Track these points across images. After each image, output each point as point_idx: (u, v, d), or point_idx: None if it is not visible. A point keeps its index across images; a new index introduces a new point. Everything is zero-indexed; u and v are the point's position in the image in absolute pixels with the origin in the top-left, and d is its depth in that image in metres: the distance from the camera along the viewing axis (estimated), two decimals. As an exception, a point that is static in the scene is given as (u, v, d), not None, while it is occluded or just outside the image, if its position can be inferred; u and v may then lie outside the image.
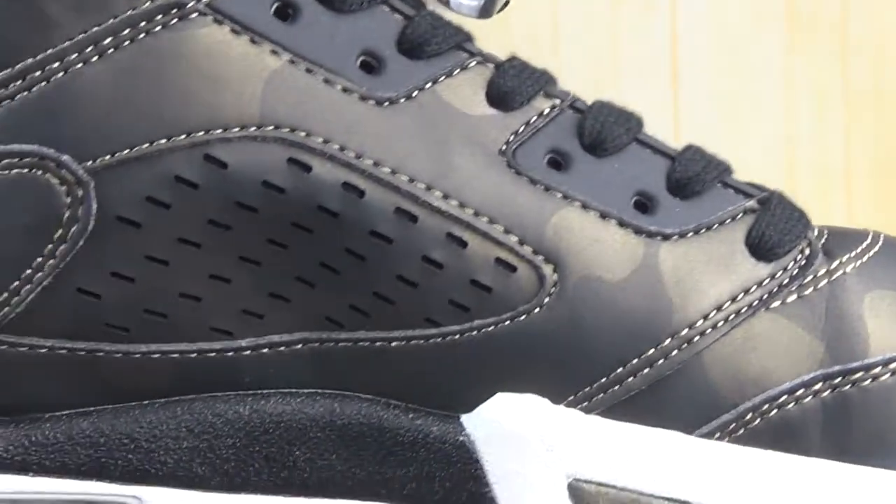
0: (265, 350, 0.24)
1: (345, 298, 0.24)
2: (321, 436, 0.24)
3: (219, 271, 0.24)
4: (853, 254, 0.26)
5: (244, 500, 0.24)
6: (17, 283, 0.24)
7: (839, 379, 0.24)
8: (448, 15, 0.26)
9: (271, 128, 0.24)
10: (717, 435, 0.24)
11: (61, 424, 0.24)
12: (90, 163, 0.24)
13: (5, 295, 0.24)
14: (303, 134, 0.24)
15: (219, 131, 0.24)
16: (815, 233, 0.27)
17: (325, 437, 0.24)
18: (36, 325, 0.24)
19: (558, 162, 0.26)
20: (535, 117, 0.26)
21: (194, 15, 0.23)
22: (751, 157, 0.61)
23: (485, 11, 0.25)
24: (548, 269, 0.24)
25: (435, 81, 0.25)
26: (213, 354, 0.24)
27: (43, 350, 0.24)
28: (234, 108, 0.24)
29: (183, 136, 0.24)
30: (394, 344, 0.24)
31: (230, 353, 0.24)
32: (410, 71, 0.25)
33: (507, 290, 0.24)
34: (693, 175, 0.28)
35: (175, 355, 0.24)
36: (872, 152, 0.60)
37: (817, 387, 0.24)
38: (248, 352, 0.24)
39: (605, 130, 0.27)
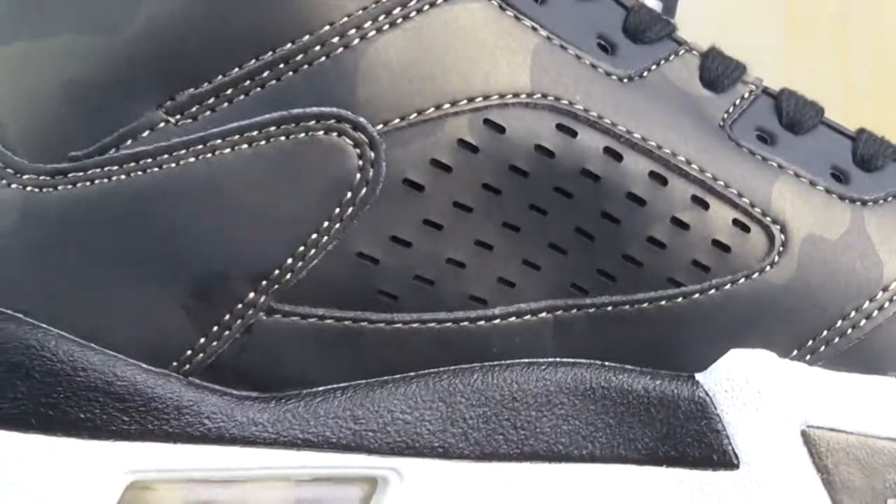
0: (513, 319, 0.25)
1: (594, 263, 0.25)
2: (566, 401, 0.25)
3: (484, 237, 0.25)
4: None
5: (495, 468, 0.25)
6: (302, 247, 0.24)
7: None
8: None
9: (539, 95, 0.25)
10: None
11: (320, 399, 0.24)
12: (381, 126, 0.24)
13: (290, 261, 0.24)
14: (566, 102, 0.25)
15: (496, 98, 0.25)
16: None
17: (569, 403, 0.25)
18: (312, 293, 0.25)
19: (765, 138, 0.28)
20: (738, 99, 0.29)
21: None
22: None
23: (667, 11, 0.29)
24: (776, 230, 0.26)
25: (658, 64, 0.27)
26: (467, 324, 0.25)
27: (312, 319, 0.25)
28: (508, 77, 0.25)
29: (465, 101, 0.25)
30: (636, 306, 0.25)
31: (482, 323, 0.25)
32: (637, 54, 0.27)
33: (742, 250, 0.26)
34: (874, 152, 0.29)
35: (433, 325, 0.25)
36: (872, 152, 0.60)
37: None
38: (498, 321, 0.25)
39: (798, 112, 0.30)
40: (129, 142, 0.24)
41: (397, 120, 0.25)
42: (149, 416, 0.23)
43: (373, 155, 0.25)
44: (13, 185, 0.23)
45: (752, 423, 0.25)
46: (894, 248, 0.27)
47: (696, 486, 0.25)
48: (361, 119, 0.24)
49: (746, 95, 0.29)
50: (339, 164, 0.24)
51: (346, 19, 0.24)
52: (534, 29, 0.26)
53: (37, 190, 0.23)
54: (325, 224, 0.24)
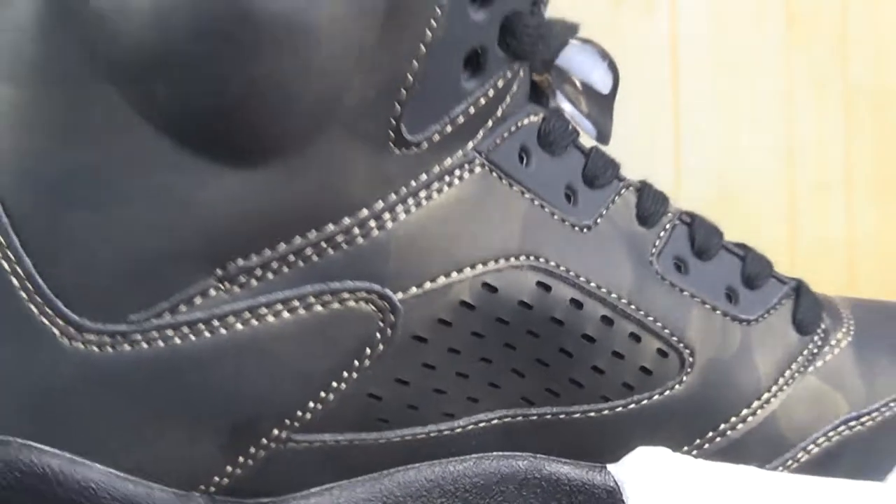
0: (472, 426, 0.30)
1: (545, 384, 0.30)
2: (504, 489, 0.30)
3: (464, 370, 0.29)
4: (844, 329, 0.34)
5: None
6: (324, 393, 0.28)
7: (854, 422, 0.33)
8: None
9: (524, 257, 0.29)
10: (781, 468, 0.32)
11: (314, 499, 0.28)
12: (402, 294, 0.28)
13: (312, 405, 0.28)
14: (544, 261, 0.29)
15: (492, 263, 0.29)
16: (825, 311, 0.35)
17: (508, 491, 0.30)
18: (323, 425, 0.28)
19: (679, 266, 0.32)
20: (662, 231, 0.33)
21: (477, 168, 0.29)
22: (751, 157, 0.61)
23: (602, 138, 0.32)
24: (686, 354, 0.31)
25: (607, 208, 0.31)
26: (436, 434, 0.29)
27: (318, 444, 0.28)
28: (502, 244, 0.29)
29: (468, 269, 0.28)
30: (571, 416, 0.30)
31: (448, 432, 0.30)
32: (592, 199, 0.31)
33: (661, 372, 0.31)
34: (758, 271, 0.34)
35: (409, 437, 0.29)
36: (872, 152, 0.60)
37: (841, 428, 0.32)
38: (460, 429, 0.30)
39: (706, 240, 0.33)
40: (183, 308, 0.26)
41: (414, 289, 0.28)
42: None
43: (393, 319, 0.28)
44: (74, 343, 0.25)
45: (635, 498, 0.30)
46: (768, 362, 0.32)
47: None
48: (388, 291, 0.28)
49: (668, 227, 0.32)
50: (365, 327, 0.28)
51: (381, 204, 0.27)
52: (521, 193, 0.30)
53: (96, 349, 0.25)
54: (346, 375, 0.28)
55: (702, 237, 0.33)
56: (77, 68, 0.24)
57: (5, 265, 0.24)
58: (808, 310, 0.34)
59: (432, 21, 0.25)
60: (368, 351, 0.28)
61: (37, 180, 0.24)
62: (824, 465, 0.32)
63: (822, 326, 0.34)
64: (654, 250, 0.32)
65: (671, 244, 0.32)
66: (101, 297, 0.25)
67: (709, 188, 0.60)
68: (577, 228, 0.30)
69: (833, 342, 0.33)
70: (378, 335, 0.28)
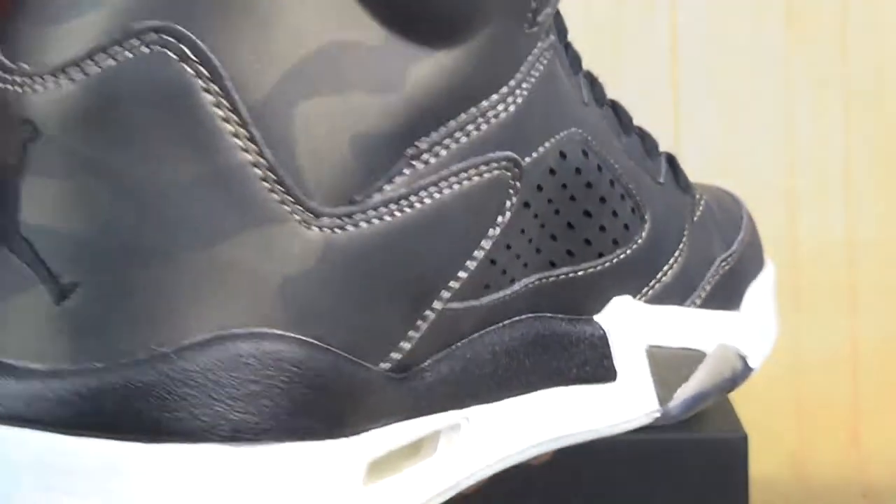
0: (519, 290, 0.32)
1: (567, 245, 0.32)
2: (536, 349, 0.32)
3: (533, 235, 0.32)
4: (697, 187, 0.40)
5: (511, 402, 0.32)
6: (471, 262, 0.29)
7: (725, 260, 0.39)
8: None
9: (574, 128, 0.32)
10: (692, 306, 0.37)
11: (430, 373, 0.30)
12: (523, 161, 0.30)
13: (462, 274, 0.29)
14: (581, 131, 0.32)
15: (564, 132, 0.31)
16: None
17: (528, 351, 0.32)
18: (462, 294, 0.30)
19: (620, 138, 0.36)
20: (607, 110, 0.36)
21: (551, 49, 0.31)
22: (751, 156, 0.61)
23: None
24: (644, 211, 0.35)
25: (593, 91, 0.35)
26: (502, 298, 0.31)
27: (452, 311, 0.30)
28: (570, 115, 0.32)
29: (555, 137, 0.31)
30: (579, 273, 0.33)
31: (508, 296, 0.31)
32: (585, 84, 0.34)
33: (633, 227, 0.34)
34: (651, 144, 0.38)
35: (494, 301, 0.31)
36: (872, 152, 0.60)
37: (720, 266, 0.38)
38: (513, 293, 0.32)
39: (625, 117, 0.36)
40: (388, 186, 0.27)
41: (530, 156, 0.30)
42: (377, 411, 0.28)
43: (519, 186, 0.30)
44: (313, 228, 0.26)
45: (622, 346, 0.34)
46: (675, 217, 0.36)
47: (600, 399, 0.34)
48: (519, 158, 0.30)
49: (607, 107, 0.36)
50: (502, 194, 0.29)
51: (513, 80, 0.29)
52: (565, 74, 0.32)
53: (331, 231, 0.26)
54: (483, 243, 0.29)
55: (623, 117, 0.36)
56: None
57: (249, 157, 0.25)
58: (681, 172, 0.38)
59: None
60: (500, 218, 0.30)
61: (273, 73, 0.25)
62: (713, 300, 0.37)
63: (690, 186, 0.39)
64: (607, 120, 0.35)
65: (609, 120, 0.35)
66: (330, 181, 0.26)
67: (709, 188, 0.60)
68: (587, 105, 0.33)
69: (697, 198, 0.38)
70: (507, 202, 0.30)
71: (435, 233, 0.28)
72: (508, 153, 0.29)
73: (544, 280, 0.32)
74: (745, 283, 0.39)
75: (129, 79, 0.24)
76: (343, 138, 0.26)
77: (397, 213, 0.27)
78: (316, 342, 0.26)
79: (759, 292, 0.40)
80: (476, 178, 0.29)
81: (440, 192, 0.28)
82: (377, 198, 0.27)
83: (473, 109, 0.28)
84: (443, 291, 0.29)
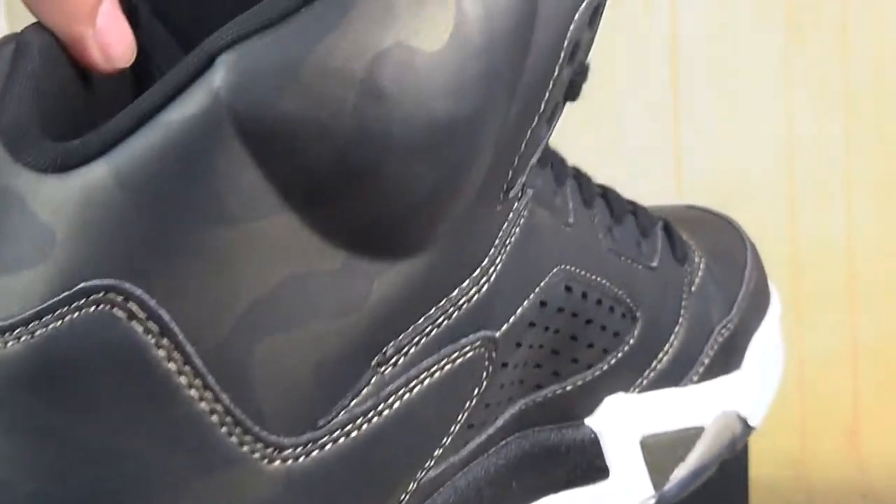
0: (503, 422, 0.32)
1: (553, 368, 0.32)
2: (522, 465, 0.32)
3: (514, 378, 0.32)
4: (696, 251, 0.39)
5: None
6: (446, 439, 0.29)
7: (723, 329, 0.38)
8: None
9: (556, 268, 0.31)
10: (689, 383, 0.36)
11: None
12: (499, 331, 0.29)
13: (437, 452, 0.29)
14: (564, 266, 0.32)
15: (545, 281, 0.31)
16: None
17: (523, 466, 0.32)
18: (435, 464, 0.30)
19: (612, 235, 0.35)
20: (595, 207, 0.35)
21: (530, 201, 0.31)
22: (751, 157, 0.61)
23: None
24: (635, 310, 0.34)
25: (573, 201, 0.34)
26: (485, 437, 0.31)
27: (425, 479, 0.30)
28: (549, 260, 0.31)
29: (535, 291, 0.31)
30: (567, 388, 0.33)
31: (491, 432, 0.31)
32: (565, 197, 0.33)
33: (624, 331, 0.34)
34: (646, 221, 0.37)
35: (473, 447, 0.31)
36: (872, 153, 0.60)
37: (717, 337, 0.38)
38: (497, 428, 0.32)
39: (618, 206, 0.36)
40: (355, 401, 0.26)
41: (507, 323, 0.30)
42: None
43: (495, 356, 0.29)
44: (276, 462, 0.26)
45: (615, 443, 0.34)
46: (672, 297, 0.36)
47: (592, 497, 0.34)
48: (494, 332, 0.29)
49: (596, 202, 0.35)
50: (478, 370, 0.29)
51: (487, 258, 0.28)
52: (550, 214, 0.32)
53: (295, 461, 0.26)
54: (460, 417, 0.29)
55: (615, 204, 0.36)
56: (258, 203, 0.24)
57: (204, 406, 0.24)
58: (679, 243, 0.37)
59: (546, 93, 0.27)
60: (477, 391, 0.29)
61: (229, 318, 0.24)
62: (713, 370, 0.37)
63: (687, 254, 0.38)
64: (595, 225, 0.34)
65: (601, 217, 0.35)
66: (293, 411, 0.26)
67: (709, 188, 0.60)
68: (567, 229, 0.32)
69: (696, 264, 0.38)
70: (484, 374, 0.29)
71: (405, 432, 0.27)
72: (482, 333, 0.29)
73: (529, 403, 0.32)
74: (747, 338, 0.39)
75: (76, 340, 0.23)
76: (305, 367, 0.25)
77: (364, 426, 0.26)
78: None
79: (763, 339, 0.40)
80: (448, 367, 0.28)
81: (410, 391, 0.27)
82: (343, 416, 0.26)
83: (443, 302, 0.27)
84: (418, 473, 0.28)
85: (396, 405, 0.27)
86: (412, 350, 0.27)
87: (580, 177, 0.35)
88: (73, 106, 0.26)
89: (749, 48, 0.60)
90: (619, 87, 0.60)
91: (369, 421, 0.27)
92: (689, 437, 0.36)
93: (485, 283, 0.28)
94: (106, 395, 0.24)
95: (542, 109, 0.27)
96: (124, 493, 0.24)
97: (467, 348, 0.28)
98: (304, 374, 0.25)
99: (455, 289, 0.27)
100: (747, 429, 0.38)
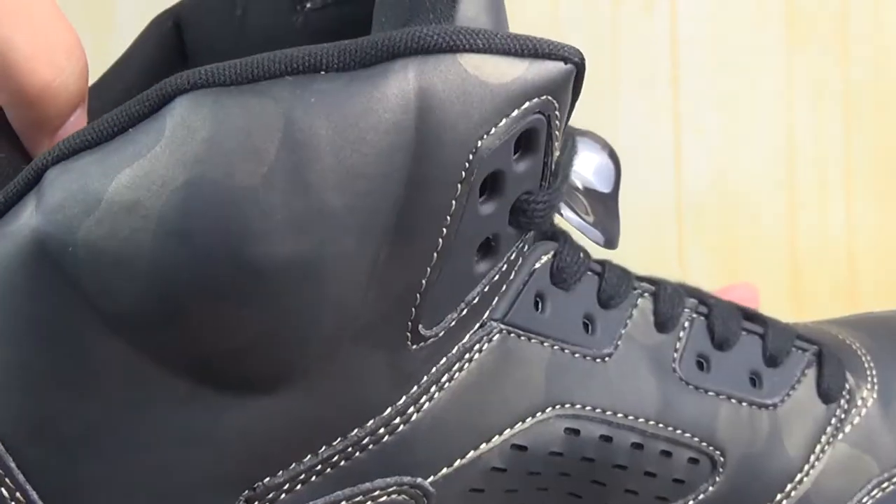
0: None
1: None
2: None
3: None
4: (868, 385, 0.33)
5: None
6: None
7: (887, 483, 0.32)
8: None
9: (549, 409, 0.29)
10: None
11: None
12: (432, 478, 0.27)
13: None
14: (569, 405, 0.29)
15: (519, 425, 0.28)
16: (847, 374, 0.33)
17: None
18: None
19: (702, 364, 0.31)
20: (681, 332, 0.31)
21: (496, 335, 0.28)
22: (751, 157, 0.61)
23: (609, 244, 0.30)
24: (717, 456, 0.30)
25: (625, 326, 0.30)
26: None
27: None
28: (528, 402, 0.29)
29: (496, 437, 0.28)
30: None
31: None
32: (610, 322, 0.30)
33: (694, 478, 0.30)
34: (780, 346, 0.33)
35: None
36: (872, 152, 0.60)
37: (875, 492, 0.32)
38: None
39: (726, 329, 0.32)
40: None
41: (445, 469, 0.28)
42: None
43: (427, 502, 0.28)
44: None
45: None
46: (797, 443, 0.31)
47: None
48: (418, 479, 0.27)
49: (686, 325, 0.31)
50: None
51: (404, 399, 0.26)
52: (541, 343, 0.29)
53: None
54: None
55: (720, 327, 0.32)
56: (79, 325, 0.23)
57: None
58: (832, 375, 0.32)
59: (443, 230, 0.25)
60: None
61: (50, 436, 0.23)
62: None
63: (847, 388, 0.32)
64: (675, 355, 0.31)
65: (691, 342, 0.31)
66: None
67: (709, 188, 0.60)
68: (598, 360, 0.30)
69: (859, 402, 0.32)
70: None
71: None
72: (398, 478, 0.27)
73: None
74: None
75: None
76: (144, 495, 0.24)
77: None
78: None
79: None
80: None
81: None
82: None
83: (337, 441, 0.26)
84: None
85: None
86: (296, 487, 0.26)
87: (663, 292, 0.31)
88: None
89: (749, 48, 0.60)
90: (619, 87, 0.60)
91: None
92: None
93: (400, 424, 0.26)
94: None
95: (439, 249, 0.25)
96: None
97: (377, 493, 0.27)
98: (142, 502, 0.24)
99: (352, 429, 0.26)
100: None
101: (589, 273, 0.31)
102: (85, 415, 0.23)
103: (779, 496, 0.31)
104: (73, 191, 0.22)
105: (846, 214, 0.60)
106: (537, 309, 0.29)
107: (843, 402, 0.32)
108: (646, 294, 0.31)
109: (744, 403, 0.31)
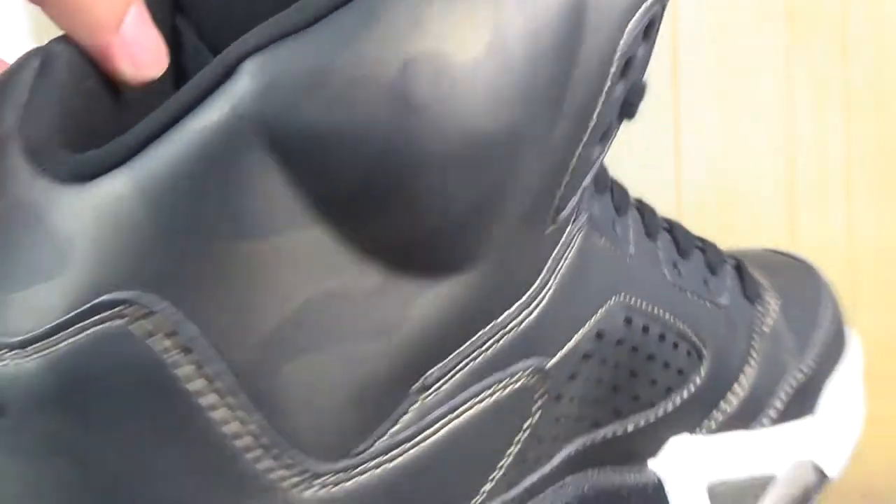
0: (559, 461, 0.31)
1: (612, 405, 0.31)
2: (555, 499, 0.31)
3: (570, 413, 0.31)
4: (771, 292, 0.38)
5: None
6: (494, 473, 0.28)
7: (799, 374, 0.37)
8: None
9: (613, 299, 0.31)
10: (759, 426, 0.35)
11: None
12: (550, 362, 0.29)
13: (485, 487, 0.28)
14: (623, 297, 0.31)
15: (601, 311, 0.30)
16: None
17: None
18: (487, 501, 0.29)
19: (676, 268, 0.34)
20: (659, 241, 0.34)
21: (585, 227, 0.30)
22: (751, 157, 0.61)
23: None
24: (701, 348, 0.33)
25: (632, 231, 0.33)
26: (539, 478, 0.30)
27: None
28: (605, 290, 0.30)
29: (589, 322, 0.30)
30: (626, 429, 0.32)
31: (547, 471, 0.31)
32: (622, 226, 0.33)
33: (689, 370, 0.33)
34: (715, 258, 0.37)
35: (527, 485, 0.30)
36: (872, 152, 0.60)
37: (792, 382, 0.37)
38: (552, 467, 0.31)
39: (685, 240, 0.35)
40: (393, 429, 0.25)
41: (559, 354, 0.29)
42: None
43: (546, 388, 0.28)
44: (311, 490, 0.25)
45: (681, 489, 0.32)
46: (741, 338, 0.35)
47: None
48: (544, 362, 0.28)
49: (660, 236, 0.34)
50: (527, 400, 0.28)
51: (537, 282, 0.27)
52: (599, 237, 0.31)
53: (329, 489, 0.25)
54: (510, 450, 0.28)
55: (681, 238, 0.35)
56: (282, 214, 0.23)
57: (230, 429, 0.23)
58: (750, 282, 0.36)
59: (596, 111, 0.26)
60: (526, 423, 0.28)
61: (259, 334, 0.23)
62: (786, 415, 0.35)
63: (760, 292, 0.37)
64: (661, 258, 0.33)
65: (666, 250, 0.34)
66: (326, 436, 0.25)
67: (709, 188, 0.60)
68: (627, 258, 0.32)
69: (769, 305, 0.37)
70: (533, 406, 0.28)
71: (449, 463, 0.26)
72: (532, 361, 0.28)
73: (588, 442, 0.31)
74: (822, 382, 0.37)
75: (95, 356, 0.22)
76: (339, 390, 0.24)
77: (404, 455, 0.25)
78: None
79: (840, 384, 0.38)
80: (497, 395, 0.27)
81: (456, 418, 0.26)
82: (381, 444, 0.25)
83: (489, 327, 0.26)
84: None
85: (440, 434, 0.26)
86: (456, 376, 0.26)
87: (643, 208, 0.34)
88: (101, 118, 0.25)
89: (749, 48, 0.60)
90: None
91: (409, 450, 0.25)
92: (758, 486, 0.34)
93: (535, 307, 0.27)
94: (126, 414, 0.23)
95: (591, 128, 0.26)
96: None
97: (517, 375, 0.27)
98: (338, 398, 0.24)
99: (502, 313, 0.26)
100: (823, 479, 0.36)
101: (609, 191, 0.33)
102: (289, 311, 0.23)
103: (735, 385, 0.34)
104: (290, 75, 0.22)
105: (846, 214, 0.60)
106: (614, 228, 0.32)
107: (760, 307, 0.36)
108: (633, 208, 0.34)
109: (709, 303, 0.34)
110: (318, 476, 0.24)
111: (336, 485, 0.25)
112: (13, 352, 0.22)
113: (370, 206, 0.23)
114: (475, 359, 0.26)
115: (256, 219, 0.22)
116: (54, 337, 0.22)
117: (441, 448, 0.26)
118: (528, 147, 0.24)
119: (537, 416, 0.28)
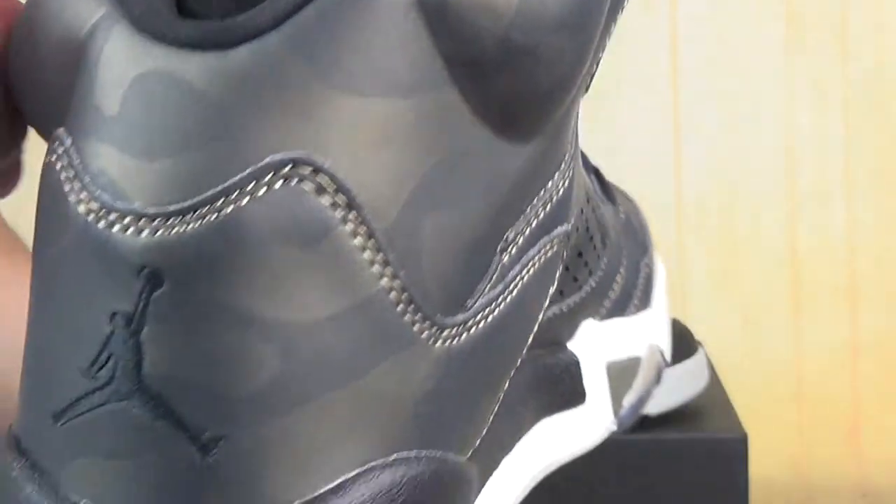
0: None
1: (560, 284, 0.31)
2: (529, 393, 0.31)
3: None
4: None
5: None
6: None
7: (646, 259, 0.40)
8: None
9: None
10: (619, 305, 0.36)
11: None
12: (568, 227, 0.30)
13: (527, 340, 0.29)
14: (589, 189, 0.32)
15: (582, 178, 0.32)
16: None
17: (515, 382, 0.31)
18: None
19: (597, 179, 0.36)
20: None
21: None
22: (751, 157, 0.61)
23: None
24: (606, 237, 0.34)
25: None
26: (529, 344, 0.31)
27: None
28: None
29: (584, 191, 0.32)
30: (563, 308, 0.32)
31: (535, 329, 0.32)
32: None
33: (602, 254, 0.34)
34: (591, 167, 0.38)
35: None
36: (872, 152, 0.60)
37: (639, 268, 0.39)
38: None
39: (584, 163, 0.36)
40: (489, 284, 0.26)
41: (572, 219, 0.30)
42: None
43: (564, 254, 0.30)
44: (438, 343, 0.25)
45: (590, 368, 0.33)
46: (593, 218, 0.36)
47: (571, 422, 0.33)
48: (569, 228, 0.29)
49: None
50: (555, 266, 0.29)
51: (570, 151, 0.28)
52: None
53: (452, 342, 0.26)
54: (540, 317, 0.29)
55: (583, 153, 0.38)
56: (430, 75, 0.24)
57: (385, 283, 0.24)
58: (606, 183, 0.38)
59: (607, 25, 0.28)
60: (552, 289, 0.29)
61: (401, 191, 0.24)
62: (640, 305, 0.37)
63: (615, 198, 0.38)
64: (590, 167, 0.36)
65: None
66: (449, 291, 0.26)
67: (709, 188, 0.60)
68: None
69: (618, 205, 0.38)
70: (557, 273, 0.29)
71: (519, 320, 0.28)
72: (564, 227, 0.29)
73: (544, 315, 0.32)
74: (654, 278, 0.40)
75: (263, 217, 0.22)
76: (458, 247, 0.25)
77: (495, 311, 0.27)
78: (441, 455, 0.25)
79: (659, 285, 0.41)
80: (544, 258, 0.28)
81: (523, 279, 0.27)
82: (481, 300, 0.26)
83: (542, 192, 0.28)
84: (513, 367, 0.28)
85: (515, 292, 0.27)
86: (521, 239, 0.27)
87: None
88: None
89: (749, 48, 0.60)
90: (619, 87, 0.60)
91: (498, 306, 0.27)
92: (633, 366, 0.36)
93: (568, 177, 0.29)
94: (293, 274, 0.23)
95: (614, 7, 0.28)
96: (309, 380, 0.23)
97: (555, 240, 0.28)
98: (456, 254, 0.25)
99: (550, 179, 0.28)
100: (664, 363, 0.39)
101: None
102: (425, 168, 0.24)
103: (617, 275, 0.36)
104: None
105: (846, 214, 0.60)
106: None
107: (616, 206, 0.38)
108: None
109: (611, 206, 0.36)
110: (444, 329, 0.25)
111: (456, 338, 0.26)
112: (176, 219, 0.22)
113: (494, 69, 0.24)
114: (531, 223, 0.27)
115: (405, 77, 0.23)
116: (220, 202, 0.22)
117: (515, 307, 0.27)
118: (600, 16, 0.26)
119: (556, 282, 0.29)
